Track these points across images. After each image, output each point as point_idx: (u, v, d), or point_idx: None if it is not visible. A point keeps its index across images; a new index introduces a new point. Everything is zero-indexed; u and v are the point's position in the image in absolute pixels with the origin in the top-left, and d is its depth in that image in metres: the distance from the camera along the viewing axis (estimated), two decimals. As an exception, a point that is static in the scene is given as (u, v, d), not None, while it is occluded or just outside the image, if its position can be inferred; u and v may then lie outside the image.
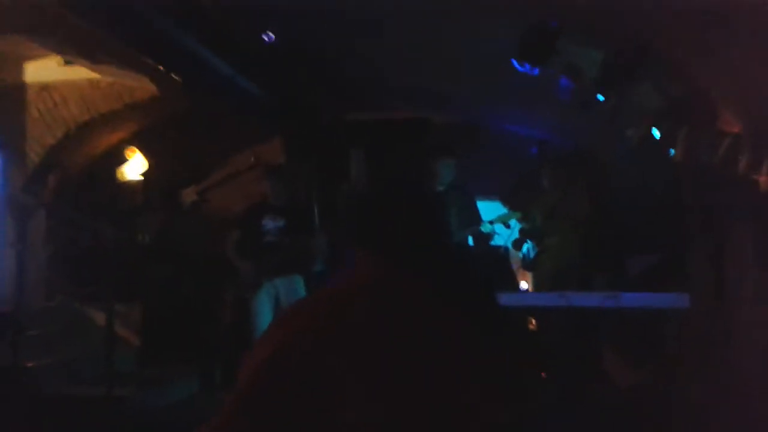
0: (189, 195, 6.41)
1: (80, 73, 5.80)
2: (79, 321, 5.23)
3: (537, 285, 5.44)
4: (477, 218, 5.09)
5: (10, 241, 4.51)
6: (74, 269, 5.52)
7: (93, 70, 5.62)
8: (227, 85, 4.79)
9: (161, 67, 4.46)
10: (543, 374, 3.84)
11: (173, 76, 4.58)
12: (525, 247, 5.44)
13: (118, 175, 6.30)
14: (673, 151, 3.08)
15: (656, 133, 3.05)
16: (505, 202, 5.86)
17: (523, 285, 5.90)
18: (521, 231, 5.35)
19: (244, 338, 5.52)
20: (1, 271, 4.79)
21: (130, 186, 6.33)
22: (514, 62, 3.18)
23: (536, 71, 3.11)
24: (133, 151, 6.27)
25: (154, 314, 5.50)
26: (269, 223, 5.10)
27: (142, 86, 5.71)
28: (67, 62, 5.77)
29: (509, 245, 5.61)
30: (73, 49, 5.06)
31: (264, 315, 4.99)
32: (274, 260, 4.98)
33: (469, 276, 1.66)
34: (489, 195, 6.04)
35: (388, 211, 1.61)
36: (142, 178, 6.31)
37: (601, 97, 3.09)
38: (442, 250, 1.65)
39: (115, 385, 4.16)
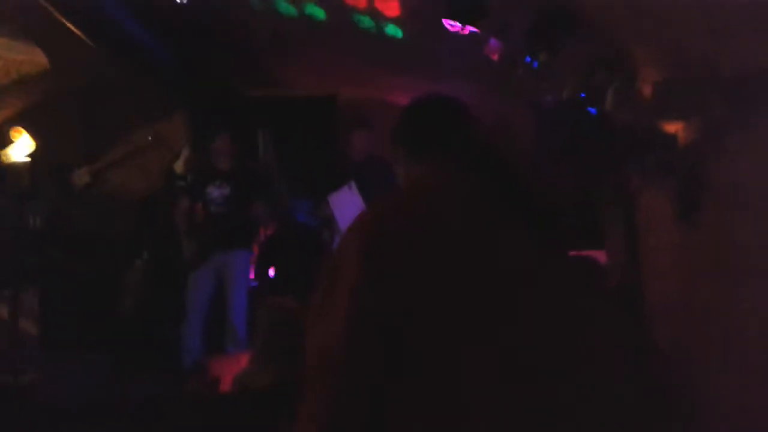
0: (81, 176, 6.08)
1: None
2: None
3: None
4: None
5: None
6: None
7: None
8: (132, 49, 4.57)
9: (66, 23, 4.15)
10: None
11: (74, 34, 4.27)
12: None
13: (3, 158, 5.88)
14: (595, 110, 3.23)
15: (583, 93, 3.19)
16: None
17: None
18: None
19: (152, 321, 5.33)
20: None
21: (17, 169, 5.91)
22: (445, 22, 3.22)
23: (467, 31, 3.17)
24: (19, 132, 5.86)
25: (51, 301, 5.17)
26: (214, 191, 4.95)
27: (30, 59, 5.34)
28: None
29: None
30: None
31: (203, 291, 4.83)
32: (219, 232, 4.83)
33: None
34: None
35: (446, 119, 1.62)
36: (29, 159, 5.91)
37: (529, 58, 3.20)
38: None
39: (20, 374, 3.92)
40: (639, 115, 3.26)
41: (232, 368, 4.30)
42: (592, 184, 3.95)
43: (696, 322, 3.08)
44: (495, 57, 3.30)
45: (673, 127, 3.18)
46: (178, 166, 5.92)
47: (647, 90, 3.08)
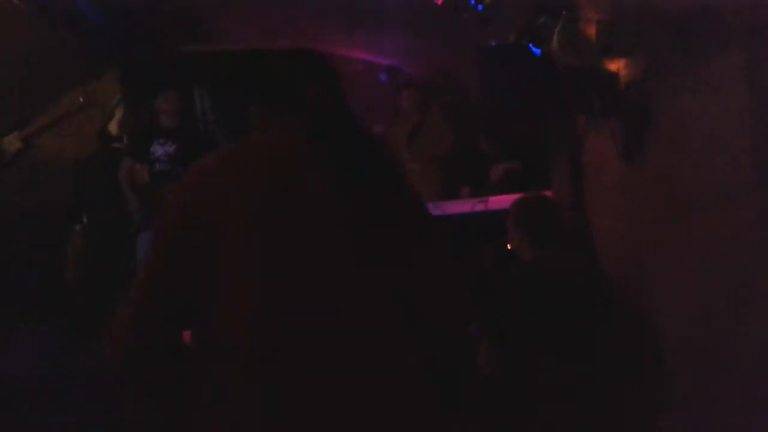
0: (11, 142, 5.82)
1: None
2: None
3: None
4: None
5: None
6: None
7: None
8: (61, 9, 4.34)
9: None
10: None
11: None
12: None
13: None
14: (539, 52, 3.24)
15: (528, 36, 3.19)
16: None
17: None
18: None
19: (97, 286, 5.22)
20: None
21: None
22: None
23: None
24: (-59, 97, 5.55)
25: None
26: (158, 149, 4.85)
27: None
28: None
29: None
30: None
31: None
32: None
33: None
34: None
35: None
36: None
37: (473, 2, 3.18)
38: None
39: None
40: (583, 56, 3.28)
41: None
42: (539, 126, 3.99)
43: (643, 257, 3.17)
44: (439, 2, 3.27)
45: (616, 67, 3.22)
46: (113, 127, 5.73)
47: (591, 30, 3.10)
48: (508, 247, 3.02)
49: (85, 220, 5.69)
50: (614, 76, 3.24)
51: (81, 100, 5.87)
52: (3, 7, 4.25)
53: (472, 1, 3.20)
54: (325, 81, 1.71)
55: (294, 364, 1.44)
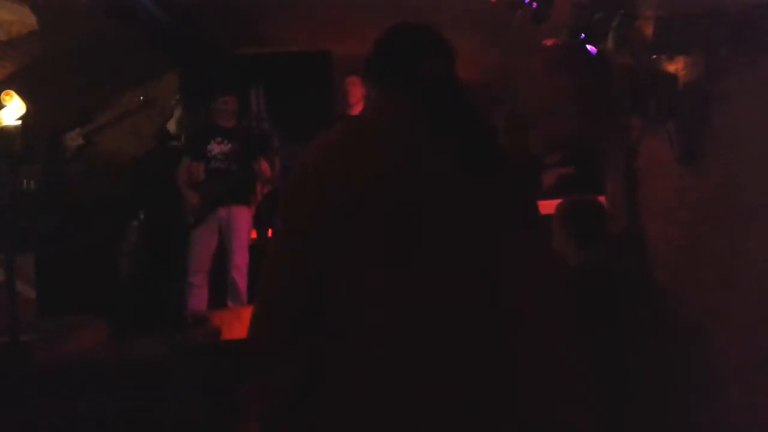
0: (74, 138, 6.00)
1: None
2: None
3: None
4: None
5: None
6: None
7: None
8: (123, 8, 4.46)
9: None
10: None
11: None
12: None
13: (-7, 124, 5.78)
14: (595, 51, 3.16)
15: (583, 34, 3.12)
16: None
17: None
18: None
19: (151, 280, 5.34)
20: None
21: (8, 132, 5.82)
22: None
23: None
24: (10, 95, 5.75)
25: (48, 265, 5.13)
26: (215, 148, 4.97)
27: (19, 20, 5.21)
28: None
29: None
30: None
31: (206, 246, 4.89)
32: (220, 189, 4.85)
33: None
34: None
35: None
36: (20, 122, 5.81)
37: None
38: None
39: (17, 335, 3.90)
40: (639, 55, 3.19)
41: (231, 321, 4.33)
42: (593, 127, 3.90)
43: (697, 265, 3.05)
44: (493, 0, 3.23)
45: (674, 68, 3.12)
46: (171, 126, 5.85)
47: (647, 29, 3.01)
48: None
49: (141, 216, 5.82)
50: (671, 76, 3.14)
51: (141, 99, 6.01)
52: (62, 3, 4.37)
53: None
54: (440, 54, 1.63)
55: (417, 353, 1.42)
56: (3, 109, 5.68)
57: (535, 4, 3.09)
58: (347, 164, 1.49)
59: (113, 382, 3.89)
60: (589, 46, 3.12)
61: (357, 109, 5.01)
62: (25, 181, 5.58)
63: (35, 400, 3.71)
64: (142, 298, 5.27)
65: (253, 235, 5.27)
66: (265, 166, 4.97)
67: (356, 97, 5.03)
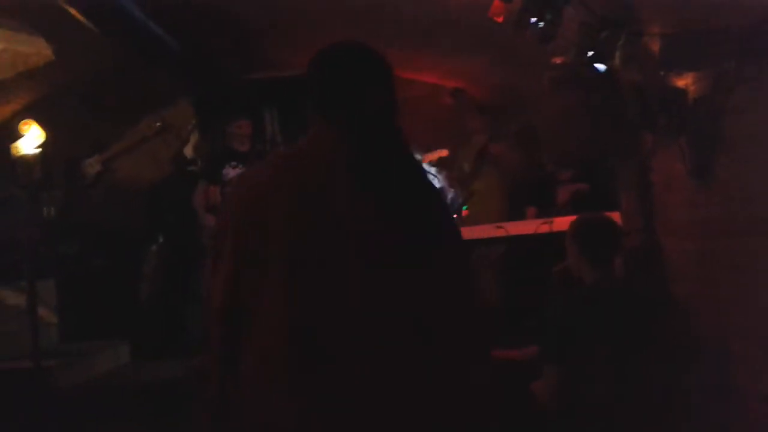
0: (93, 165, 6.09)
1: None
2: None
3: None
4: None
5: None
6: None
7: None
8: (136, 36, 4.55)
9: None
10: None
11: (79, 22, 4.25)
12: (450, 197, 5.54)
13: (14, 151, 5.88)
14: (603, 68, 3.18)
15: (589, 53, 3.13)
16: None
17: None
18: (448, 179, 5.43)
19: (169, 304, 5.38)
20: None
21: (28, 160, 5.92)
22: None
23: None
24: (29, 124, 5.86)
25: (68, 290, 5.20)
26: (231, 172, 5.05)
27: (36, 51, 5.32)
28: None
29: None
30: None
31: None
32: None
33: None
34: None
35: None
36: (39, 150, 5.92)
37: (534, 19, 3.15)
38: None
39: (40, 360, 3.95)
40: (647, 72, 3.20)
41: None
42: (605, 144, 3.91)
43: (714, 279, 3.04)
44: (500, 20, 3.26)
45: (683, 83, 3.13)
46: (188, 151, 5.93)
47: (654, 45, 3.03)
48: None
49: (160, 240, 5.89)
50: (681, 92, 3.15)
51: (157, 125, 6.10)
52: (77, 30, 4.45)
53: (533, 18, 3.17)
54: (381, 81, 1.64)
55: (325, 365, 1.49)
56: (22, 138, 5.79)
57: (541, 24, 3.12)
58: (261, 203, 1.56)
59: (133, 405, 3.94)
60: (597, 64, 3.13)
61: None
62: (45, 208, 5.67)
63: (57, 424, 3.76)
64: (161, 321, 5.32)
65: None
66: None
67: None
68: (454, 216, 5.74)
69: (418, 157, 5.01)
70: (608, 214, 3.74)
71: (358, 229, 1.52)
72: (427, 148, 5.37)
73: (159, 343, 5.01)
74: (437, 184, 5.32)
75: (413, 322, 1.51)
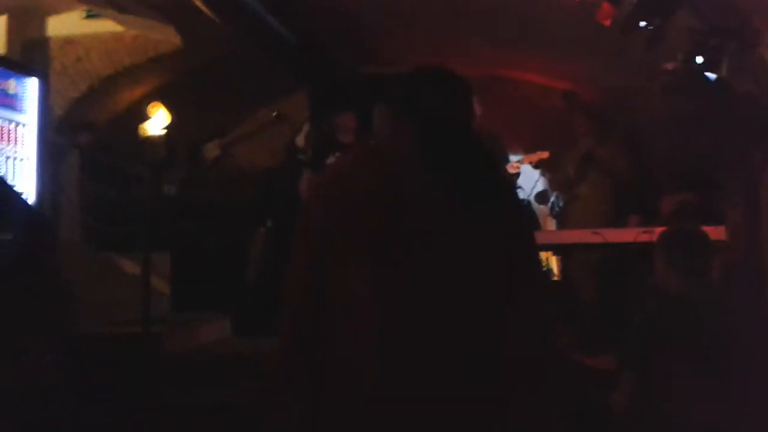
0: (212, 150, 6.45)
1: (104, 26, 5.78)
2: (110, 268, 5.27)
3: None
4: (503, 157, 5.08)
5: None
6: (104, 219, 5.54)
7: (117, 22, 5.61)
8: (258, 29, 4.79)
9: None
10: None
11: (204, 13, 4.53)
12: (551, 200, 5.48)
13: (141, 131, 6.31)
14: (713, 77, 3.10)
15: (698, 59, 3.06)
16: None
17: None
18: (550, 181, 5.38)
19: (274, 288, 5.61)
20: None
21: (154, 141, 6.34)
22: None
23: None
24: (157, 106, 6.27)
25: (182, 264, 5.55)
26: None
27: (166, 39, 5.69)
28: (89, 16, 5.75)
29: (531, 199, 5.62)
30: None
31: None
32: None
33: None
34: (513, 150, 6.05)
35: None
36: (164, 132, 6.32)
37: (643, 23, 3.11)
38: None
39: (149, 326, 4.25)
40: (762, 84, 3.09)
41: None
42: (713, 156, 3.79)
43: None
44: (607, 23, 3.23)
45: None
46: (300, 141, 6.17)
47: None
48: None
49: (269, 224, 6.16)
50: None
51: (274, 115, 6.37)
52: (203, 21, 4.72)
53: (641, 22, 3.13)
54: (452, 93, 1.79)
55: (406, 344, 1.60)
56: (150, 120, 6.22)
57: (649, 27, 3.07)
58: (348, 189, 1.68)
59: (232, 375, 4.18)
60: (706, 73, 3.06)
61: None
62: (166, 186, 6.07)
63: (162, 387, 4.04)
64: (263, 301, 5.57)
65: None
66: None
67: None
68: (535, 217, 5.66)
69: (518, 157, 4.99)
70: (714, 227, 3.65)
71: (433, 217, 1.63)
72: (531, 149, 5.34)
73: (258, 320, 5.25)
74: (518, 189, 5.25)
75: (481, 303, 1.62)
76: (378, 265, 1.62)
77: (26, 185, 4.10)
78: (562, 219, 5.41)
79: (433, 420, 1.59)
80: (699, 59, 3.02)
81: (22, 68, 4.47)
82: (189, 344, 4.63)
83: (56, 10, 5.74)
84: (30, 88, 4.28)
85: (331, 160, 5.30)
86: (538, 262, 1.83)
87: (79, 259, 4.73)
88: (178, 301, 5.31)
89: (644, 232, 3.94)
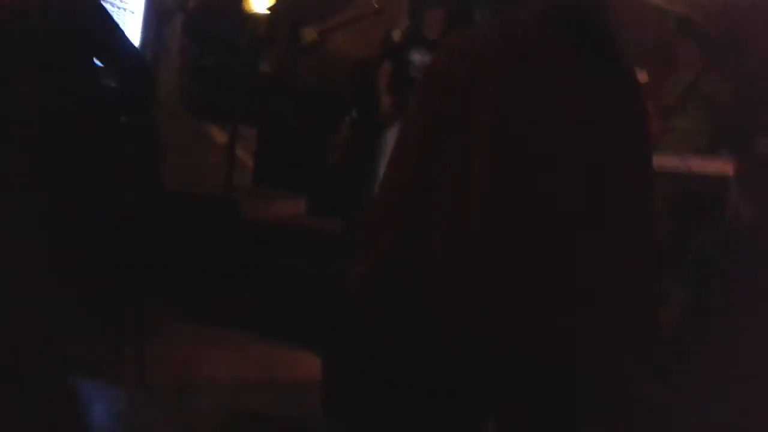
0: (309, 34, 6.49)
1: None
2: (200, 135, 5.49)
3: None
4: None
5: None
6: (200, 88, 5.73)
7: None
8: None
9: None
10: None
11: None
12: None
13: (246, 6, 6.39)
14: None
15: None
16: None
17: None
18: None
19: (356, 171, 5.73)
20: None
21: (257, 18, 6.42)
22: None
23: None
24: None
25: (267, 140, 5.73)
26: (417, 57, 5.17)
27: None
28: None
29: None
30: None
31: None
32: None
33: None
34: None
35: None
36: (267, 12, 6.39)
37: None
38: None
39: (229, 191, 4.47)
40: None
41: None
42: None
43: None
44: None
45: None
46: (396, 35, 6.12)
47: None
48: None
49: (354, 113, 6.24)
50: None
51: (375, 6, 6.32)
52: None
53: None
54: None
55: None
56: (255, -6, 6.26)
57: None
58: (467, 65, 1.56)
59: (300, 247, 4.38)
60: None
61: None
62: (261, 63, 6.19)
63: (237, 249, 4.29)
64: (340, 187, 5.73)
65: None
66: None
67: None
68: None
69: None
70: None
71: (560, 102, 1.55)
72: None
73: (332, 204, 5.41)
74: None
75: (598, 201, 1.55)
76: (500, 147, 1.52)
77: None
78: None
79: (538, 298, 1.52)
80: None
81: None
82: (264, 214, 4.85)
83: None
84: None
85: (414, 55, 5.21)
86: (650, 157, 1.69)
87: (172, 120, 4.96)
88: (259, 174, 5.51)
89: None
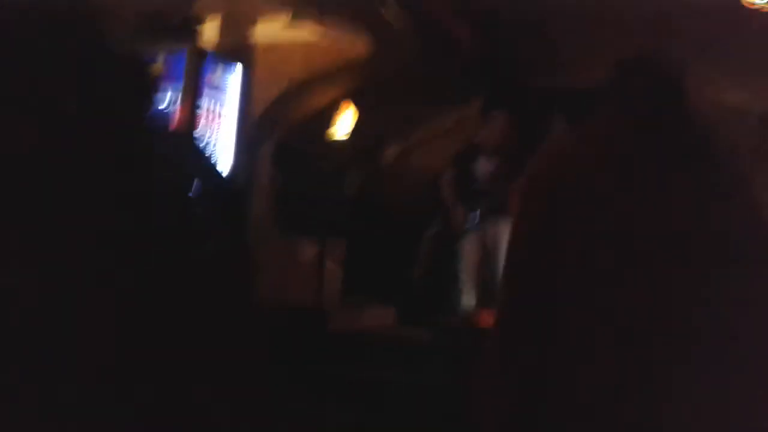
0: (391, 153, 6.82)
1: (303, 33, 6.31)
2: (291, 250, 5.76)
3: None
4: None
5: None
6: (290, 210, 6.04)
7: (316, 27, 6.09)
8: (441, 38, 5.05)
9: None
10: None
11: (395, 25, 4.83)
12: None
13: (328, 135, 6.81)
14: None
15: None
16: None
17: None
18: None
19: (441, 280, 5.85)
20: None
21: (340, 144, 6.82)
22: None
23: None
24: (348, 105, 6.68)
25: (355, 253, 5.95)
26: (480, 165, 5.30)
27: (358, 46, 6.11)
28: (292, 22, 6.28)
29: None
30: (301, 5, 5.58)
31: (470, 259, 5.20)
32: (483, 205, 5.15)
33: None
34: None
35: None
36: (348, 137, 6.78)
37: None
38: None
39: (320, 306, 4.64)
40: None
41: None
42: None
43: None
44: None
45: None
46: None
47: None
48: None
49: (434, 228, 6.43)
50: None
51: (451, 122, 6.64)
52: (390, 34, 5.02)
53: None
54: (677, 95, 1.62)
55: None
56: (338, 119, 6.67)
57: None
58: (569, 173, 1.54)
59: (390, 358, 4.45)
60: None
61: None
62: (346, 186, 6.53)
63: (323, 362, 4.38)
64: (427, 298, 5.84)
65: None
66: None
67: None
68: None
69: None
70: None
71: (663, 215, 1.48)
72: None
73: (421, 314, 5.50)
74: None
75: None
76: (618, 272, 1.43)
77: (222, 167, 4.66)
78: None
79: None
80: None
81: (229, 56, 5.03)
82: (352, 327, 4.98)
83: (262, 16, 6.35)
84: (233, 79, 4.84)
85: (481, 164, 5.34)
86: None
87: (265, 240, 5.27)
88: (348, 285, 5.70)
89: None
